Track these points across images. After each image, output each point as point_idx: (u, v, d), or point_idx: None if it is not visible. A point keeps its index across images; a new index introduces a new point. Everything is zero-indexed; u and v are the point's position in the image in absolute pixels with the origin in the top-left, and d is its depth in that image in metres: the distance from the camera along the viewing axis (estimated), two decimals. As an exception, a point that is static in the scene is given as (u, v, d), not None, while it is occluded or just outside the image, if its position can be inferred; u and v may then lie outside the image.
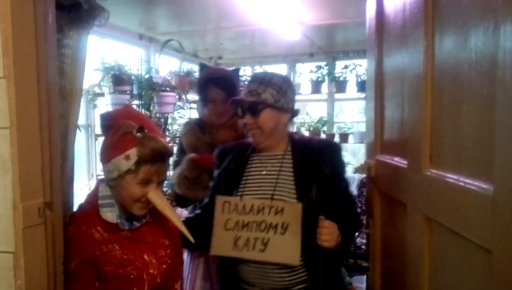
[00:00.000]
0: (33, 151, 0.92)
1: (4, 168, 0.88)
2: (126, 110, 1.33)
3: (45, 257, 0.96)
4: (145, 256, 1.21)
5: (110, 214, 1.17)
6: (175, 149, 2.40)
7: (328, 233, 1.39)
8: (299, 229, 1.41)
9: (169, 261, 1.27)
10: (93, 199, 1.21)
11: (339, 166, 1.57)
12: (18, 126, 0.88)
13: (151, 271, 1.21)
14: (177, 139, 2.32)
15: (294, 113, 1.58)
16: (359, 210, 3.89)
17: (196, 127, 2.04)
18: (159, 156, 1.16)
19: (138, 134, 1.14)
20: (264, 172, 1.55)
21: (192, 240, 1.26)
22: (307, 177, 1.45)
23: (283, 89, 1.50)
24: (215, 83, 2.01)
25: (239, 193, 1.50)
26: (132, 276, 1.18)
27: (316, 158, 1.51)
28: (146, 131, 1.16)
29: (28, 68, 0.91)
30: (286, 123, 1.54)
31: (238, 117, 1.82)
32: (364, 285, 1.89)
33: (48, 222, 0.96)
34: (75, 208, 1.25)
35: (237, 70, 2.42)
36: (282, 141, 1.57)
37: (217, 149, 1.71)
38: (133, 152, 1.13)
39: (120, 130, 1.15)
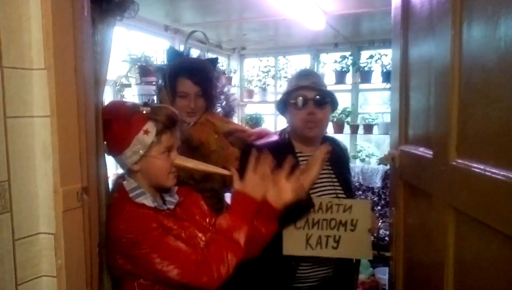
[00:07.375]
0: (71, 139, 0.97)
1: (45, 154, 0.94)
2: (114, 102, 1.37)
3: (82, 239, 1.01)
4: (191, 229, 1.27)
5: (146, 201, 1.21)
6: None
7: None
8: (369, 224, 1.46)
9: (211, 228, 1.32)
10: (123, 195, 1.22)
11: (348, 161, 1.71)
12: (58, 115, 0.93)
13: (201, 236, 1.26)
14: None
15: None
16: (383, 201, 3.94)
17: None
18: (173, 120, 1.23)
19: (145, 109, 1.20)
20: None
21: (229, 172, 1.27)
22: (345, 174, 1.58)
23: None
24: (188, 75, 1.72)
25: None
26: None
27: (343, 154, 1.62)
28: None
29: (67, 59, 0.96)
30: None
31: (210, 113, 1.76)
32: (387, 276, 1.89)
33: (85, 206, 1.02)
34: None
35: (214, 59, 2.02)
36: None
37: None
38: (150, 125, 1.19)
39: (127, 114, 1.20)
